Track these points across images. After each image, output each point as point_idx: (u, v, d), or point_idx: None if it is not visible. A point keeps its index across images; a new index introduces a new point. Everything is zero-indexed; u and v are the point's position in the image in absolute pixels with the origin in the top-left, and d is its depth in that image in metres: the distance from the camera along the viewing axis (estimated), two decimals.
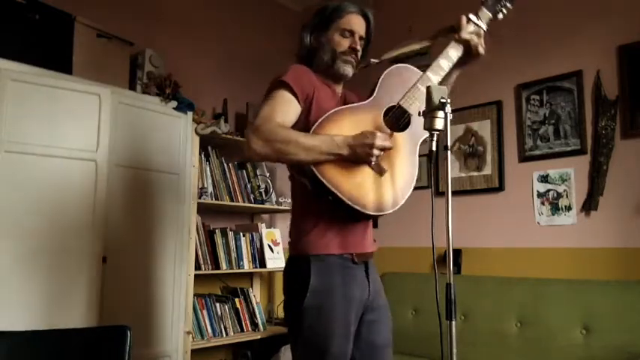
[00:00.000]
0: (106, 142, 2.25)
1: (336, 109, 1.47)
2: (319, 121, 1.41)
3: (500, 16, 1.62)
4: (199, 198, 2.71)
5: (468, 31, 1.55)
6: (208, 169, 2.87)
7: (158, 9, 3.02)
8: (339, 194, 1.35)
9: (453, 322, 1.21)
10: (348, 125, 1.41)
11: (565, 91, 2.61)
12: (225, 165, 2.98)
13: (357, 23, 1.58)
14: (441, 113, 1.27)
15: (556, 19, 2.68)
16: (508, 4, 1.60)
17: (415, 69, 1.57)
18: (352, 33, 1.56)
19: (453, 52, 1.56)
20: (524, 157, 2.73)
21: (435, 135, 1.29)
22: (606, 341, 2.15)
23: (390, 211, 1.39)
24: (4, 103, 1.98)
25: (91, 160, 2.20)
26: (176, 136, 2.59)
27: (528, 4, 2.78)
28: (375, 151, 1.35)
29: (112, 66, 2.47)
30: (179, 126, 2.62)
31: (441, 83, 1.54)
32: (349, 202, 1.35)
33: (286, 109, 1.43)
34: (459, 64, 1.59)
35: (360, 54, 1.59)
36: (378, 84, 1.53)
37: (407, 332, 2.77)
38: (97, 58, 2.39)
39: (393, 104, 1.49)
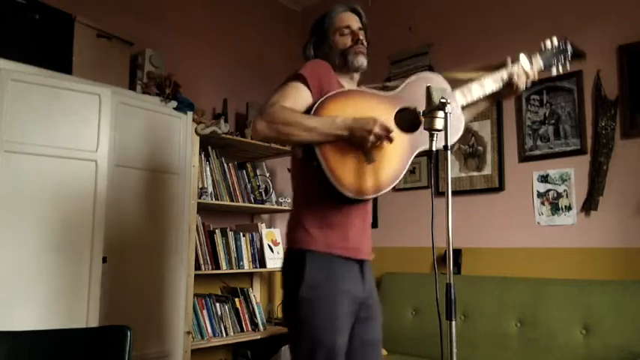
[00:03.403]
0: (106, 142, 2.25)
1: (349, 89, 1.50)
2: (330, 94, 1.43)
3: (554, 71, 1.66)
4: (199, 198, 2.71)
5: (511, 70, 1.59)
6: (208, 169, 2.87)
7: (158, 9, 3.02)
8: (323, 164, 1.37)
9: (453, 322, 1.21)
10: (357, 107, 1.44)
11: (565, 91, 2.61)
12: (225, 165, 2.98)
13: (349, 19, 1.63)
14: (441, 113, 1.27)
15: (556, 19, 2.67)
16: (567, 63, 1.64)
17: (446, 83, 1.57)
18: (350, 28, 1.61)
19: (490, 83, 1.58)
20: (524, 157, 2.73)
21: (435, 135, 1.30)
22: (606, 341, 2.15)
23: (363, 197, 1.40)
24: (4, 103, 1.98)
25: (91, 160, 2.20)
26: (176, 136, 2.59)
27: (528, 4, 2.79)
28: (372, 137, 1.36)
29: (112, 66, 2.47)
30: (179, 126, 2.62)
31: (465, 107, 1.56)
32: (329, 174, 1.37)
33: (296, 97, 1.45)
34: (495, 95, 1.63)
35: (365, 42, 1.62)
36: (406, 82, 1.55)
37: (407, 332, 2.77)
38: (97, 58, 2.39)
39: (409, 106, 1.51)
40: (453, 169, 2.96)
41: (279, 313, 3.32)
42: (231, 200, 2.96)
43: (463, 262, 2.84)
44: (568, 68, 1.65)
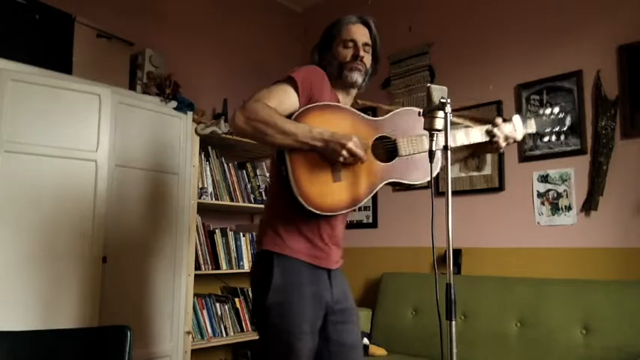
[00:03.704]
0: (106, 142, 2.25)
1: (339, 104, 1.50)
2: (317, 104, 1.43)
3: (545, 138, 1.67)
4: (199, 198, 2.71)
5: (501, 129, 1.59)
6: (208, 169, 2.87)
7: (158, 9, 3.02)
8: (290, 173, 1.37)
9: (453, 322, 1.21)
10: (338, 123, 1.43)
11: (565, 91, 2.61)
12: (225, 165, 2.98)
13: (357, 32, 1.59)
14: (441, 113, 1.27)
15: (556, 19, 2.67)
16: (560, 136, 1.67)
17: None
18: (354, 42, 1.58)
19: (475, 134, 1.59)
20: (524, 157, 2.72)
21: (435, 135, 1.29)
22: (606, 341, 2.15)
23: (318, 212, 1.38)
24: (4, 103, 1.98)
25: (91, 160, 2.20)
26: (176, 136, 2.59)
27: (528, 4, 2.79)
28: (345, 153, 1.35)
29: (112, 66, 2.48)
30: (179, 126, 2.62)
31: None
32: (293, 184, 1.36)
33: (282, 99, 1.44)
34: (477, 149, 1.65)
35: (366, 59, 1.59)
36: (394, 111, 1.55)
37: (407, 332, 2.77)
38: (97, 58, 2.39)
39: (390, 136, 1.51)
40: (453, 169, 2.96)
41: None
42: (231, 200, 2.96)
43: (463, 262, 2.84)
44: (560, 139, 1.70)
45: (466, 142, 1.58)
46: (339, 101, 1.58)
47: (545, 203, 2.63)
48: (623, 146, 2.41)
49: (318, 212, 1.38)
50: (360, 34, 1.60)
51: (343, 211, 1.43)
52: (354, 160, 1.39)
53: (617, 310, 2.17)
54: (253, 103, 1.39)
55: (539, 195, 2.65)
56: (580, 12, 2.60)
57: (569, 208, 2.54)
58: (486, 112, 2.89)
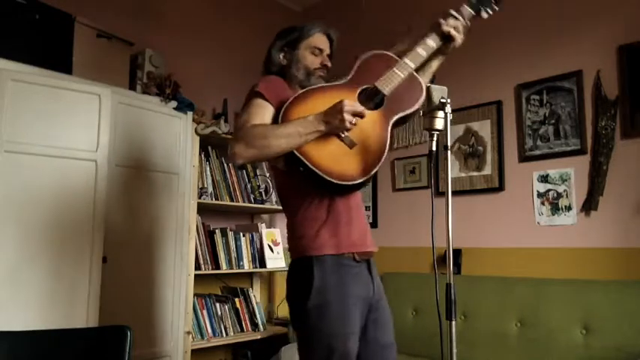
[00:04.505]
0: (106, 142, 2.25)
1: (307, 88, 1.51)
2: (290, 99, 1.45)
3: (484, 15, 1.74)
4: (199, 198, 2.71)
5: (447, 24, 1.64)
6: (208, 169, 2.87)
7: (158, 9, 3.02)
8: (309, 165, 1.37)
9: (453, 322, 1.21)
10: (320, 103, 1.44)
11: (565, 91, 2.61)
12: (225, 165, 2.98)
13: (324, 42, 1.66)
14: (440, 113, 1.27)
15: (556, 19, 2.67)
16: (494, 7, 1.74)
17: (393, 55, 1.60)
18: (321, 51, 1.64)
19: (431, 42, 1.62)
20: (524, 157, 2.72)
21: (435, 135, 1.30)
22: (606, 341, 2.15)
23: (352, 182, 1.39)
24: (4, 103, 1.98)
25: (91, 160, 2.20)
26: (176, 136, 2.59)
27: (528, 4, 2.79)
28: (347, 116, 1.36)
29: (112, 66, 2.48)
30: (179, 126, 2.62)
31: (419, 69, 1.61)
32: (318, 171, 1.37)
33: (263, 113, 1.48)
34: (439, 52, 1.67)
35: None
36: (355, 67, 1.57)
37: (407, 332, 2.77)
38: (97, 58, 2.39)
39: (368, 85, 1.53)
40: (452, 169, 2.96)
41: (279, 313, 3.32)
42: (231, 200, 2.96)
43: (463, 262, 2.84)
44: (497, 9, 1.76)
45: (429, 52, 1.61)
46: None
47: (545, 203, 2.63)
48: (623, 146, 2.41)
49: (362, 180, 1.39)
50: (326, 44, 1.67)
51: (379, 164, 1.42)
52: (359, 118, 1.40)
53: (617, 310, 2.17)
54: (242, 129, 1.43)
55: (539, 195, 2.65)
56: (580, 12, 2.60)
57: (569, 208, 2.54)
58: (487, 112, 2.89)
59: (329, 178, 1.37)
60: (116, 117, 2.31)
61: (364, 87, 1.53)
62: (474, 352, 2.46)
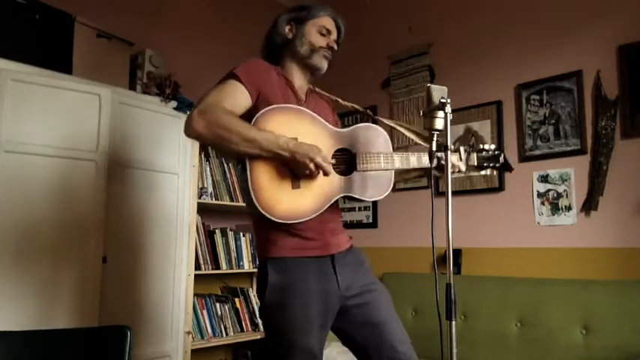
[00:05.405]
0: (106, 142, 2.25)
1: (302, 108, 1.48)
2: (278, 106, 1.42)
3: (482, 172, 1.78)
4: (199, 198, 2.71)
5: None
6: (208, 169, 2.87)
7: (158, 9, 3.02)
8: (249, 180, 1.35)
9: (453, 322, 1.21)
10: (303, 129, 1.42)
11: (565, 91, 2.61)
12: (225, 165, 2.98)
13: (332, 25, 1.64)
14: (440, 113, 1.27)
15: (556, 19, 2.67)
16: (492, 171, 1.78)
17: (389, 143, 1.59)
18: (329, 32, 1.62)
19: (426, 160, 1.60)
20: (524, 157, 2.72)
21: (435, 135, 1.30)
22: (606, 341, 2.15)
23: (275, 219, 1.37)
24: (4, 103, 1.98)
25: (91, 160, 2.20)
26: (176, 136, 2.59)
27: (528, 4, 2.79)
28: (312, 166, 1.35)
29: (112, 66, 2.48)
30: (179, 126, 2.62)
31: (400, 173, 1.65)
32: (250, 187, 1.35)
33: (235, 97, 1.43)
34: (426, 172, 1.68)
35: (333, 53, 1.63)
36: (354, 126, 1.55)
37: (407, 332, 2.77)
38: (97, 58, 2.39)
39: (350, 149, 1.51)
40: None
41: None
42: (231, 200, 2.96)
43: (463, 262, 2.84)
44: (494, 174, 1.83)
45: (417, 165, 1.58)
46: (291, 85, 1.58)
47: (545, 203, 2.63)
48: (623, 146, 2.41)
49: (278, 221, 1.37)
50: (334, 29, 1.64)
51: (302, 219, 1.40)
52: (319, 172, 1.38)
53: (617, 310, 2.17)
54: (210, 106, 1.36)
55: (539, 195, 2.65)
56: (580, 12, 2.60)
57: (569, 208, 2.54)
58: (487, 112, 2.89)
59: (255, 202, 1.35)
60: (116, 117, 2.31)
61: (346, 148, 1.50)
62: (473, 352, 2.46)
